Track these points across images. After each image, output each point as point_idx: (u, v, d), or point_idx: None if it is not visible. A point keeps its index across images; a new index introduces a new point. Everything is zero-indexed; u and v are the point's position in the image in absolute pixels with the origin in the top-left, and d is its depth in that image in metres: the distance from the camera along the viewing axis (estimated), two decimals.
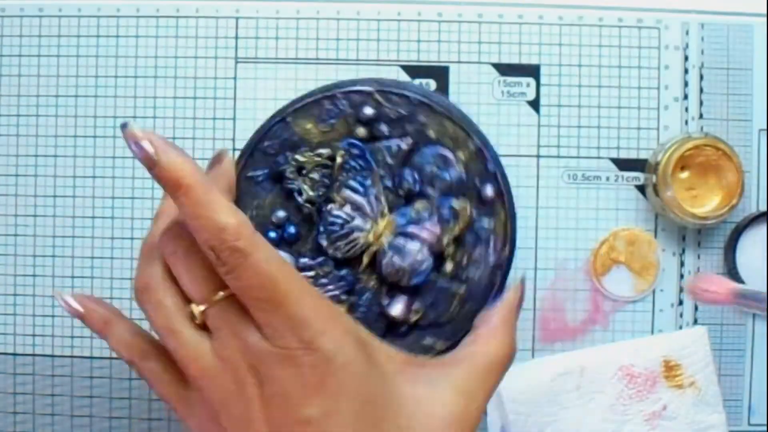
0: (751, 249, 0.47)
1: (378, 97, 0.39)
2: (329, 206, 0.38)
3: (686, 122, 0.48)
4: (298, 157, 0.39)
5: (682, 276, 0.48)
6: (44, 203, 0.48)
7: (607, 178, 0.48)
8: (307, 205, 0.39)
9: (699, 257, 0.47)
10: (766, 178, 0.47)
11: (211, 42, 0.48)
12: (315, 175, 0.39)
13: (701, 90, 0.48)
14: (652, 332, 0.48)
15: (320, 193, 0.39)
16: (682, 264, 0.48)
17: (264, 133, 0.39)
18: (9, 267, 0.48)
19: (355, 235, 0.38)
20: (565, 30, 0.48)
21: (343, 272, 0.39)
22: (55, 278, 0.48)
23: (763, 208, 0.47)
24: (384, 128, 0.39)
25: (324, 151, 0.39)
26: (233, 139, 0.48)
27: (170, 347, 0.33)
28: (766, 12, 0.47)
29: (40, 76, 0.48)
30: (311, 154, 0.39)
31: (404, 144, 0.39)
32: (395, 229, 0.39)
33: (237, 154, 0.43)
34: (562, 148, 0.48)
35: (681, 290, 0.48)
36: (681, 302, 0.48)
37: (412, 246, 0.38)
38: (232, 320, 0.31)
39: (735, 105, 0.47)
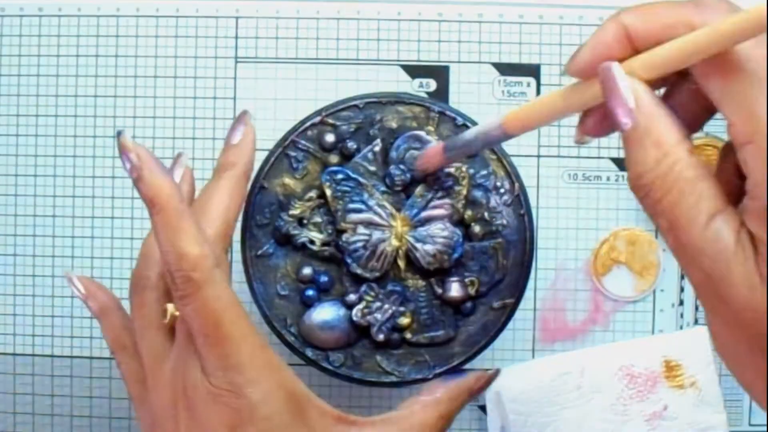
0: None
1: (329, 120, 0.40)
2: (344, 237, 0.39)
3: None
4: (292, 212, 0.39)
5: (682, 276, 0.48)
6: (44, 203, 0.48)
7: (608, 178, 0.48)
8: (324, 248, 0.39)
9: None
10: (766, 178, 0.47)
11: (211, 42, 0.48)
12: (316, 219, 0.39)
13: None
14: (653, 332, 0.48)
15: (329, 231, 0.39)
16: None
17: (251, 208, 0.39)
18: (9, 267, 0.48)
19: (381, 247, 0.39)
20: (565, 30, 0.48)
21: (390, 286, 0.39)
22: (55, 278, 0.48)
23: None
24: (351, 144, 0.39)
25: (311, 194, 0.39)
26: None
27: (140, 347, 0.34)
28: (765, 12, 0.47)
29: (39, 76, 0.48)
30: (302, 202, 0.39)
31: (376, 147, 0.40)
32: (412, 222, 0.39)
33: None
34: (562, 148, 0.48)
35: (682, 290, 0.48)
36: (681, 302, 0.48)
37: (435, 228, 0.39)
38: (186, 340, 0.32)
39: None
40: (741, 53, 0.25)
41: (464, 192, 0.39)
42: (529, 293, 0.47)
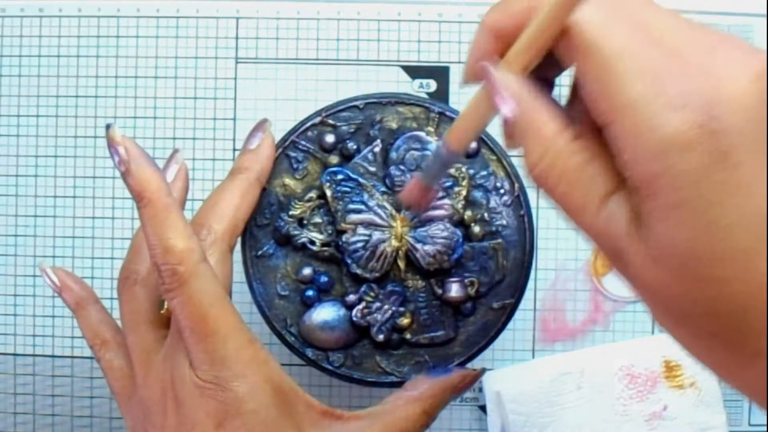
0: None
1: (329, 120, 0.40)
2: (344, 237, 0.39)
3: None
4: (292, 212, 0.39)
5: None
6: (44, 203, 0.48)
7: None
8: (324, 248, 0.39)
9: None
10: (766, 177, 0.47)
11: (212, 42, 0.48)
12: (316, 219, 0.40)
13: None
14: (653, 332, 0.48)
15: (329, 231, 0.39)
16: None
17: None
18: (9, 267, 0.48)
19: (381, 248, 0.39)
20: None
21: (390, 287, 0.39)
22: None
23: None
24: (351, 144, 0.39)
25: (311, 194, 0.40)
26: (233, 140, 0.48)
27: (129, 341, 0.34)
28: (766, 12, 0.47)
29: (40, 77, 0.48)
30: (302, 203, 0.39)
31: (376, 148, 0.40)
32: (411, 222, 0.39)
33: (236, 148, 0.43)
34: None
35: None
36: None
37: (435, 228, 0.39)
38: (177, 333, 0.32)
39: None
40: (589, 34, 0.25)
41: (464, 192, 0.39)
42: (529, 293, 0.47)
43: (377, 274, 0.39)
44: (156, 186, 0.31)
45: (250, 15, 0.48)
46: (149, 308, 0.35)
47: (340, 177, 0.39)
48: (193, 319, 0.31)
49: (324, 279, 0.40)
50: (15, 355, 0.48)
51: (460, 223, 0.40)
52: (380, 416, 0.35)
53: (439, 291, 0.40)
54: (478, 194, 0.40)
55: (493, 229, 0.40)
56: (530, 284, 0.46)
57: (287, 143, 0.40)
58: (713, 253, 0.23)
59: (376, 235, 0.39)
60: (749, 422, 0.48)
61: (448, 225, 0.39)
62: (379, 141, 0.40)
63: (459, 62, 0.48)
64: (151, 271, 0.35)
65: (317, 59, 0.48)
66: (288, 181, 0.40)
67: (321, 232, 0.40)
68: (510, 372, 0.47)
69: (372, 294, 0.39)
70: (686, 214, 0.23)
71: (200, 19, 0.48)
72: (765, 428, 0.48)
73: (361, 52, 0.48)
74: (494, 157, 0.40)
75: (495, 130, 0.45)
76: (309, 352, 0.40)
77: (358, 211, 0.39)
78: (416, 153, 0.40)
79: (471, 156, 0.40)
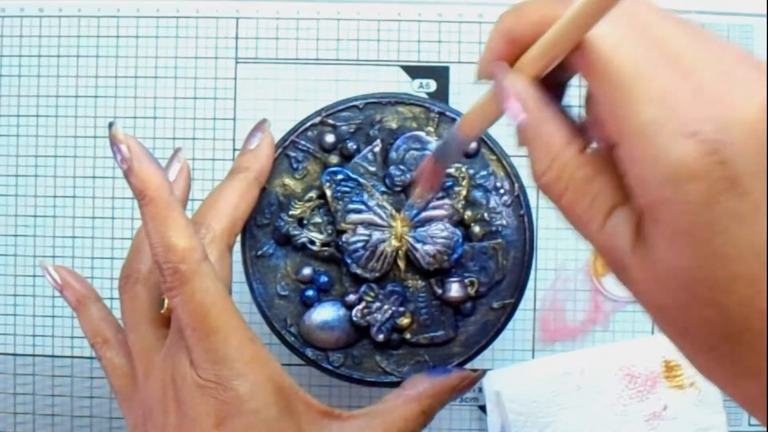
0: None
1: (329, 120, 0.40)
2: (344, 237, 0.39)
3: None
4: (291, 212, 0.39)
5: None
6: (44, 203, 0.48)
7: None
8: (324, 248, 0.39)
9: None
10: (766, 177, 0.47)
11: (212, 42, 0.48)
12: (316, 219, 0.40)
13: None
14: (653, 332, 0.48)
15: (329, 231, 0.39)
16: None
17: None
18: (9, 267, 0.48)
19: (381, 247, 0.39)
20: None
21: (389, 287, 0.39)
22: None
23: None
24: (351, 144, 0.40)
25: (311, 194, 0.40)
26: (233, 140, 0.48)
27: (130, 340, 0.34)
28: (766, 12, 0.47)
29: (40, 77, 0.48)
30: (302, 203, 0.39)
31: (376, 148, 0.40)
32: (411, 222, 0.39)
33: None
34: None
35: None
36: None
37: (435, 228, 0.39)
38: (178, 332, 0.32)
39: None
40: (603, 53, 0.24)
41: (464, 192, 0.39)
42: (529, 293, 0.47)
43: (377, 274, 0.39)
44: (158, 184, 0.31)
45: (250, 15, 0.48)
46: (150, 307, 0.35)
47: (340, 177, 0.39)
48: (195, 318, 0.31)
49: (324, 279, 0.40)
50: (15, 355, 0.48)
51: (460, 223, 0.40)
52: (378, 415, 0.35)
53: (439, 291, 0.40)
54: (478, 194, 0.40)
55: (493, 229, 0.40)
56: (530, 284, 0.46)
57: (287, 143, 0.40)
58: (715, 279, 0.23)
59: (376, 235, 0.39)
60: (749, 422, 0.48)
61: (448, 225, 0.39)
62: (379, 141, 0.40)
63: (459, 62, 0.48)
64: (152, 270, 0.35)
65: (317, 59, 0.48)
66: (288, 181, 0.40)
67: (321, 232, 0.40)
68: (510, 372, 0.47)
69: (372, 294, 0.39)
70: (690, 241, 0.23)
71: (200, 19, 0.48)
72: (765, 428, 0.48)
73: (361, 52, 0.48)
74: (494, 157, 0.40)
75: (495, 130, 0.45)
76: (309, 352, 0.40)
77: (358, 211, 0.39)
78: (416, 153, 0.40)
79: (471, 156, 0.40)
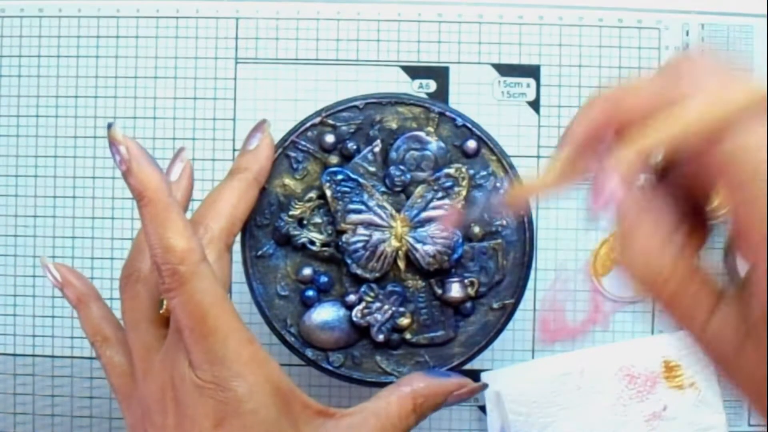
0: None
1: (328, 121, 0.40)
2: (344, 237, 0.39)
3: None
4: (292, 212, 0.39)
5: None
6: (44, 204, 0.48)
7: None
8: (324, 249, 0.39)
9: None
10: (766, 178, 0.47)
11: (211, 42, 0.48)
12: (316, 219, 0.40)
13: None
14: (652, 333, 0.48)
15: (329, 232, 0.39)
16: None
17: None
18: (9, 267, 0.48)
19: (381, 248, 0.39)
20: (565, 30, 0.48)
21: (389, 287, 0.39)
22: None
23: None
24: (351, 144, 0.39)
25: (311, 194, 0.40)
26: (233, 140, 0.48)
27: (130, 339, 0.34)
28: (766, 12, 0.47)
29: (40, 77, 0.48)
30: (302, 203, 0.39)
31: (376, 148, 0.40)
32: (411, 222, 0.39)
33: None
34: None
35: None
36: None
37: (435, 229, 0.39)
38: (177, 333, 0.32)
39: None
40: (749, 165, 0.22)
41: (464, 193, 0.39)
42: (529, 293, 0.47)
43: (377, 275, 0.39)
44: (157, 185, 0.31)
45: (250, 15, 0.48)
46: (150, 306, 0.35)
47: (340, 177, 0.39)
48: (193, 319, 0.31)
49: (324, 279, 0.40)
50: (15, 355, 0.48)
51: None
52: (372, 413, 0.35)
53: (439, 291, 0.40)
54: (478, 194, 0.40)
55: (493, 229, 0.40)
56: (530, 284, 0.46)
57: (287, 143, 0.40)
58: None
59: (376, 235, 0.39)
60: (749, 422, 0.48)
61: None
62: (379, 141, 0.40)
63: (458, 62, 0.48)
64: (153, 270, 0.35)
65: (317, 59, 0.48)
66: (288, 181, 0.40)
67: (321, 233, 0.40)
68: (510, 372, 0.47)
69: (372, 294, 0.39)
70: None
71: (200, 19, 0.48)
72: (765, 429, 0.48)
73: (361, 52, 0.48)
74: (494, 157, 0.40)
75: (495, 130, 0.45)
76: (309, 353, 0.40)
77: (358, 212, 0.39)
78: (416, 153, 0.40)
79: (471, 156, 0.40)
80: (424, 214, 0.39)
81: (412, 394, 0.36)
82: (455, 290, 0.39)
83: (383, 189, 0.40)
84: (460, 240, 0.39)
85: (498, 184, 0.40)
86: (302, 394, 0.34)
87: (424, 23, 0.48)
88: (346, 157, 0.40)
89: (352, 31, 0.48)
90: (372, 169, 0.40)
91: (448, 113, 0.40)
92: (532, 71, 0.48)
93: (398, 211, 0.39)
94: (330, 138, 0.40)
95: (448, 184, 0.39)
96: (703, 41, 0.48)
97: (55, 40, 0.48)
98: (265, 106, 0.48)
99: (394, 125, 0.40)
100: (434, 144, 0.40)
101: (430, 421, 0.47)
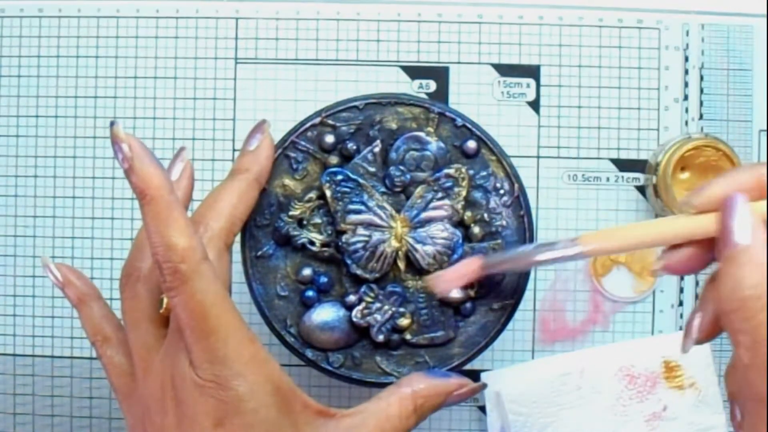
0: None
1: (328, 121, 0.40)
2: (343, 238, 0.39)
3: (686, 123, 0.48)
4: (291, 213, 0.39)
5: (682, 277, 0.48)
6: (44, 204, 0.48)
7: (607, 179, 0.48)
8: (324, 249, 0.39)
9: None
10: (766, 178, 0.47)
11: (211, 43, 0.48)
12: (316, 220, 0.40)
13: (701, 91, 0.48)
14: (652, 333, 0.48)
15: (329, 232, 0.39)
16: None
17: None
18: (9, 268, 0.48)
19: (381, 248, 0.39)
20: (565, 31, 0.48)
21: (389, 287, 0.39)
22: None
23: None
24: (350, 145, 0.39)
25: (311, 195, 0.40)
26: (233, 140, 0.48)
27: (130, 339, 0.35)
28: (766, 12, 0.47)
29: (39, 77, 0.48)
30: (301, 203, 0.39)
31: (376, 148, 0.40)
32: (411, 223, 0.39)
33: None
34: (562, 149, 0.48)
35: (681, 291, 0.48)
36: (681, 303, 0.48)
37: (435, 229, 0.39)
38: (177, 332, 0.32)
39: (735, 106, 0.47)
40: None
41: (464, 193, 0.39)
42: (529, 294, 0.47)
43: (377, 275, 0.39)
44: (159, 183, 0.31)
45: (250, 15, 0.48)
46: (151, 306, 0.35)
47: (339, 177, 0.39)
48: (194, 318, 0.31)
49: (324, 279, 0.40)
50: (14, 355, 0.48)
51: (460, 224, 0.40)
52: (372, 414, 0.35)
53: (438, 292, 0.40)
54: (477, 195, 0.40)
55: (493, 229, 0.40)
56: (530, 284, 0.46)
57: (287, 144, 0.40)
58: None
59: (376, 236, 0.39)
60: None
61: (447, 225, 0.39)
62: (378, 141, 0.40)
63: (458, 63, 0.48)
64: (153, 269, 0.35)
65: (317, 60, 0.48)
66: (288, 181, 0.40)
67: (321, 233, 0.40)
68: (510, 372, 0.47)
69: (372, 294, 0.39)
70: None
71: (200, 19, 0.48)
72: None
73: (361, 52, 0.48)
74: (494, 158, 0.40)
75: (495, 131, 0.45)
76: (309, 353, 0.40)
77: (358, 212, 0.39)
78: (416, 153, 0.40)
79: (470, 156, 0.40)
80: (424, 215, 0.39)
81: (413, 395, 0.36)
82: (455, 291, 0.39)
83: (383, 189, 0.40)
84: (460, 240, 0.39)
85: (498, 185, 0.40)
86: (303, 394, 0.34)
87: (424, 23, 0.48)
88: (346, 158, 0.40)
89: (351, 32, 0.48)
90: (372, 169, 0.40)
91: (447, 113, 0.40)
92: (532, 71, 0.48)
93: (398, 211, 0.39)
94: (330, 138, 0.40)
95: (448, 184, 0.39)
96: (703, 41, 0.48)
97: (54, 40, 0.48)
98: (264, 107, 0.48)
99: (393, 125, 0.40)
100: (434, 144, 0.40)
101: (430, 421, 0.47)
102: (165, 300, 0.34)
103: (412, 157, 0.40)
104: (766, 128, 0.47)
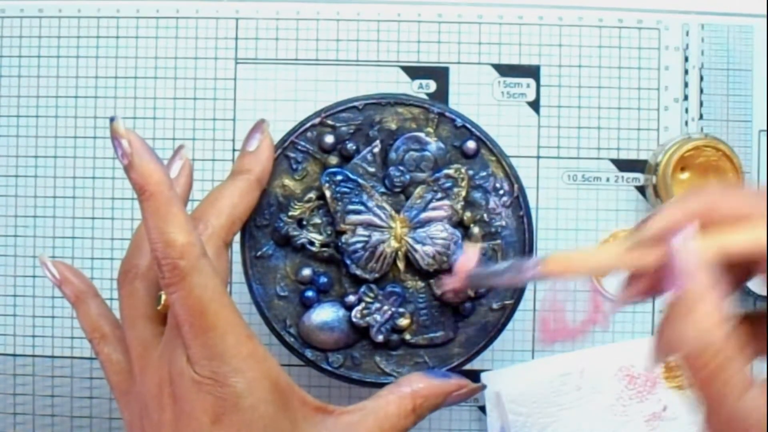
0: None
1: (328, 121, 0.40)
2: (343, 238, 0.39)
3: (686, 123, 0.48)
4: (291, 213, 0.39)
5: None
6: (44, 204, 0.48)
7: (607, 179, 0.48)
8: (324, 249, 0.39)
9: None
10: (766, 178, 0.47)
11: (211, 43, 0.48)
12: (316, 220, 0.40)
13: (701, 91, 0.48)
14: (653, 333, 0.48)
15: (329, 232, 0.39)
16: None
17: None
18: (9, 268, 0.48)
19: (380, 248, 0.39)
20: (565, 31, 0.48)
21: (389, 288, 0.39)
22: None
23: None
24: (350, 145, 0.39)
25: (311, 195, 0.40)
26: (233, 140, 0.48)
27: (128, 335, 0.34)
28: (766, 12, 0.47)
29: (39, 77, 0.48)
30: (301, 203, 0.39)
31: (375, 148, 0.40)
32: (411, 223, 0.39)
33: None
34: (562, 149, 0.48)
35: None
36: None
37: (434, 229, 0.39)
38: (175, 328, 0.32)
39: (735, 106, 0.47)
40: None
41: (463, 193, 0.39)
42: (528, 294, 0.47)
43: (377, 275, 0.39)
44: (158, 179, 0.31)
45: (250, 15, 0.48)
46: (148, 303, 0.35)
47: (339, 178, 0.39)
48: (193, 314, 0.31)
49: (323, 280, 0.40)
50: (14, 355, 0.48)
51: (460, 224, 0.40)
52: (371, 412, 0.35)
53: (439, 292, 0.40)
54: (477, 195, 0.40)
55: (493, 230, 0.40)
56: (530, 285, 0.46)
57: (287, 144, 0.40)
58: None
59: (376, 236, 0.39)
60: None
61: (447, 226, 0.39)
62: (378, 142, 0.40)
63: (458, 63, 0.48)
64: (151, 266, 0.35)
65: (317, 60, 0.48)
66: (287, 181, 0.40)
67: (320, 233, 0.40)
68: (510, 372, 0.47)
69: (371, 295, 0.39)
70: None
71: (200, 19, 0.48)
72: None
73: (361, 52, 0.48)
74: (493, 158, 0.40)
75: (495, 131, 0.45)
76: (308, 353, 0.40)
77: (358, 212, 0.39)
78: (415, 154, 0.40)
79: (470, 156, 0.40)
80: (423, 215, 0.39)
81: (412, 394, 0.36)
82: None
83: (383, 190, 0.40)
84: (460, 241, 0.39)
85: (497, 185, 0.40)
86: (301, 390, 0.34)
87: (424, 23, 0.48)
88: (346, 158, 0.40)
89: (351, 32, 0.48)
90: (371, 169, 0.40)
91: (447, 114, 0.40)
92: (531, 71, 0.48)
93: (398, 211, 0.39)
94: (329, 138, 0.40)
95: (448, 184, 0.39)
96: (703, 42, 0.48)
97: (54, 41, 0.48)
98: (264, 107, 0.48)
99: (393, 126, 0.40)
100: (434, 144, 0.40)
101: (430, 421, 0.47)
102: (162, 297, 0.34)
103: (411, 158, 0.40)
104: (766, 128, 0.47)
